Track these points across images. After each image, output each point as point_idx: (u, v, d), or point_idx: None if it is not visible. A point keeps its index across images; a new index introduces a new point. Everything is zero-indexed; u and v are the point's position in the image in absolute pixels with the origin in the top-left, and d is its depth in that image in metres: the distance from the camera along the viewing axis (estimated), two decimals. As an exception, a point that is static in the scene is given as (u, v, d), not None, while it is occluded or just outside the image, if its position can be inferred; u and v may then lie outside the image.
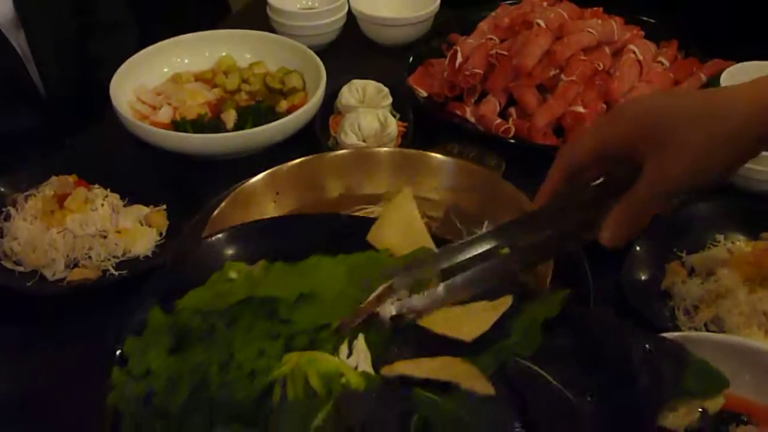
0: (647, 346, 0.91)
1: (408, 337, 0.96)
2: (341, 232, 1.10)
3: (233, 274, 1.03)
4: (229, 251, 1.07)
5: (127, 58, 1.70)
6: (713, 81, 1.65)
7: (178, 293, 1.01)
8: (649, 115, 0.97)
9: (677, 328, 1.25)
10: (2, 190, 1.47)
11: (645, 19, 1.80)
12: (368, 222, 1.10)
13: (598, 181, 1.03)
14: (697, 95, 1.02)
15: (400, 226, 1.09)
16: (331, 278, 1.02)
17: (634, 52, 1.66)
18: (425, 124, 1.63)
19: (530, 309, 0.96)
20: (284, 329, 0.96)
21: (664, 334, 1.11)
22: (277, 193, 1.34)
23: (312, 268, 1.03)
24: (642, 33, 1.74)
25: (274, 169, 1.34)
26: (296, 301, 0.99)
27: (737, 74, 1.60)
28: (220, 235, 1.09)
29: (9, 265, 1.37)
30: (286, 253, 1.04)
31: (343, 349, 0.93)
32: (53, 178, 1.47)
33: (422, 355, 0.93)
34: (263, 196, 1.33)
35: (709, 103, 0.96)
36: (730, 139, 0.95)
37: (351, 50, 1.90)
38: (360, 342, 0.94)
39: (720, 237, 1.37)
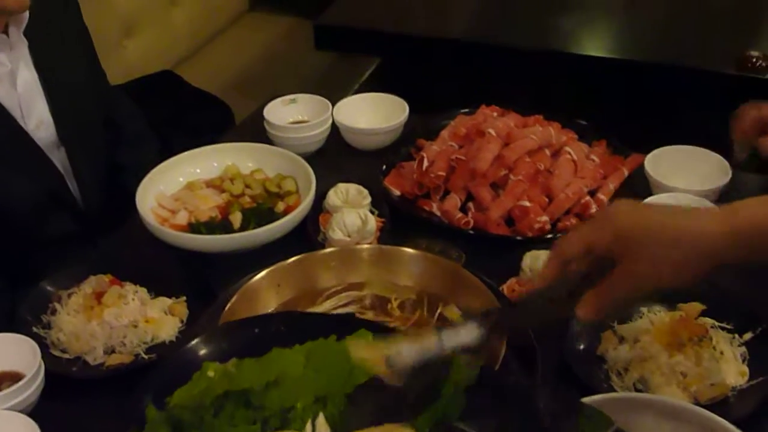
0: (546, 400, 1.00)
1: (359, 409, 1.04)
2: (295, 326, 1.16)
3: (211, 373, 1.09)
4: (205, 351, 1.13)
5: (149, 165, 1.74)
6: (635, 173, 1.74)
7: (167, 391, 1.08)
8: (627, 230, 1.05)
9: (611, 388, 1.31)
10: (49, 288, 1.52)
11: (578, 121, 1.87)
12: (313, 316, 1.21)
13: (582, 272, 1.11)
14: (670, 219, 1.06)
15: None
16: (291, 366, 1.09)
17: (570, 153, 1.73)
18: (400, 218, 1.68)
19: (454, 377, 1.05)
20: (259, 414, 1.05)
21: (598, 396, 1.19)
22: (279, 285, 1.40)
23: (275, 360, 1.10)
24: (575, 136, 1.80)
25: (274, 266, 1.40)
26: (265, 389, 1.06)
27: (656, 160, 1.72)
28: (196, 340, 1.14)
29: (56, 352, 1.43)
30: (251, 349, 1.11)
31: (308, 426, 1.03)
32: (91, 278, 1.52)
33: (372, 424, 1.03)
34: (267, 289, 1.38)
35: (679, 230, 1.03)
36: (690, 264, 1.03)
37: (335, 155, 1.94)
38: (320, 419, 1.02)
39: (644, 309, 1.42)
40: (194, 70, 2.96)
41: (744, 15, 2.51)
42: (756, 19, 2.50)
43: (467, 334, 1.09)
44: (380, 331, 1.15)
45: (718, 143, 1.73)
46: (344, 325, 1.14)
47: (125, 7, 2.87)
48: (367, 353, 1.09)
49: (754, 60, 2.21)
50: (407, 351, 1.08)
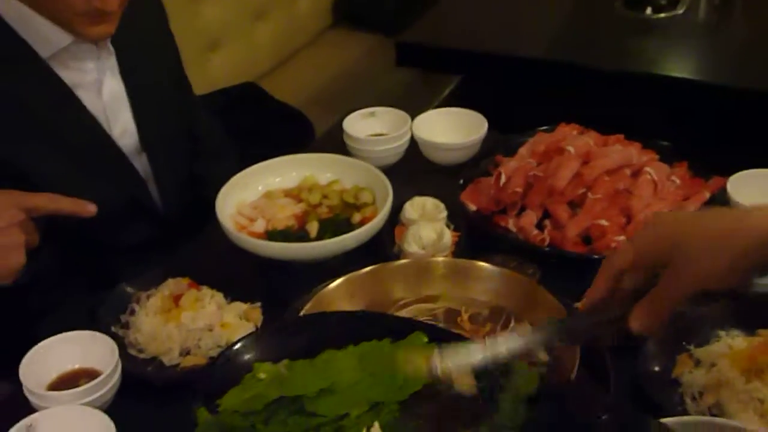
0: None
1: (414, 417, 1.04)
2: (349, 326, 1.17)
3: (262, 375, 1.09)
4: (256, 353, 1.14)
5: (228, 177, 1.76)
6: (717, 196, 1.71)
7: (219, 393, 1.09)
8: (671, 236, 1.05)
9: (685, 412, 1.29)
10: (129, 290, 1.55)
11: (659, 142, 1.84)
12: (368, 316, 1.20)
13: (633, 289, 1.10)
14: (712, 221, 1.06)
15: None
16: (345, 370, 1.10)
17: (650, 174, 1.70)
18: (475, 234, 1.68)
19: (513, 386, 1.03)
20: (312, 421, 1.05)
21: (672, 419, 1.18)
22: (352, 296, 1.42)
23: (327, 363, 1.11)
24: (656, 156, 1.78)
25: (349, 275, 1.42)
26: (318, 395, 1.06)
27: (737, 183, 1.70)
28: (247, 340, 1.15)
29: (133, 352, 1.46)
30: (304, 350, 1.12)
31: (363, 433, 1.01)
32: (170, 280, 1.55)
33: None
34: (340, 299, 1.40)
35: (721, 229, 1.04)
36: (733, 263, 1.02)
37: (413, 169, 1.94)
38: (375, 427, 1.02)
39: (722, 333, 1.40)
40: (276, 84, 3.00)
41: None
42: None
43: (514, 341, 1.09)
44: (439, 336, 1.14)
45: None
46: (400, 328, 1.14)
47: (211, 21, 2.93)
48: (415, 359, 1.10)
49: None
50: (452, 357, 1.09)
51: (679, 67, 2.45)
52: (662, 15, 2.67)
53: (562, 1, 2.92)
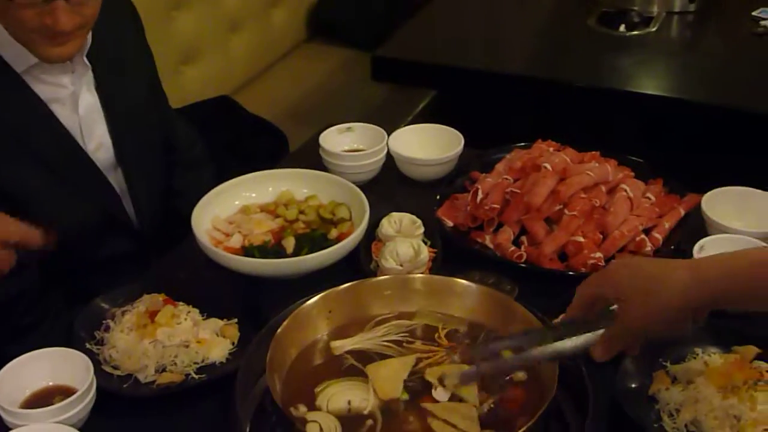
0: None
1: None
2: None
3: None
4: None
5: (205, 189, 1.76)
6: (692, 213, 1.73)
7: None
8: (622, 284, 1.21)
9: (662, 429, 1.30)
10: (104, 306, 1.54)
11: (635, 159, 1.86)
12: None
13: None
14: (648, 271, 1.20)
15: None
16: None
17: (626, 191, 1.72)
18: (452, 250, 1.67)
19: None
20: None
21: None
22: (330, 312, 1.41)
23: None
24: (632, 173, 1.79)
25: (326, 292, 1.41)
26: None
27: (711, 201, 1.72)
28: None
29: (108, 369, 1.44)
30: None
31: None
32: (145, 296, 1.54)
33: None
34: (318, 315, 1.40)
35: (654, 279, 1.18)
36: (666, 311, 1.17)
37: (389, 185, 1.94)
38: None
39: (698, 350, 1.41)
40: (251, 98, 2.99)
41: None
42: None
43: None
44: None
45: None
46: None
47: (185, 33, 2.92)
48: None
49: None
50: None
51: (653, 83, 2.47)
52: (636, 32, 2.69)
53: (537, 17, 2.94)
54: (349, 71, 3.32)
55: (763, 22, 2.66)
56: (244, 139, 2.61)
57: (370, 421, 1.25)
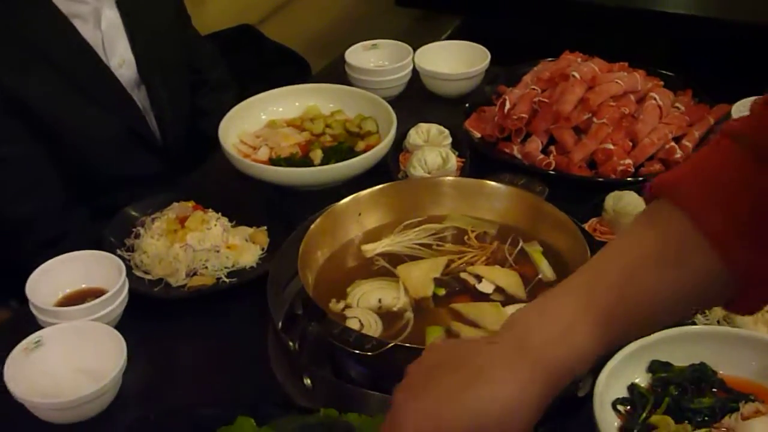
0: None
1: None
2: None
3: None
4: None
5: (228, 110, 1.75)
6: (721, 120, 1.71)
7: None
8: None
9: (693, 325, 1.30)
10: (133, 213, 1.55)
11: (663, 72, 1.83)
12: None
13: None
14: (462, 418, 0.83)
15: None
16: None
17: (655, 99, 1.70)
18: (479, 161, 1.67)
19: None
20: None
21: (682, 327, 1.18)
22: (360, 214, 1.41)
23: None
24: (661, 83, 1.78)
25: (357, 194, 1.41)
26: None
27: (743, 109, 1.69)
28: None
29: (139, 274, 1.45)
30: None
31: None
32: (174, 204, 1.54)
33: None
34: (348, 216, 1.39)
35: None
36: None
37: (416, 100, 1.93)
38: None
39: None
40: (272, 29, 2.96)
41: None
42: None
43: None
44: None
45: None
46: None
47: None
48: None
49: None
50: None
51: (679, 2, 2.44)
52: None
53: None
54: (372, 3, 3.29)
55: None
56: (266, 67, 2.59)
57: (408, 314, 1.25)
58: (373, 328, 1.23)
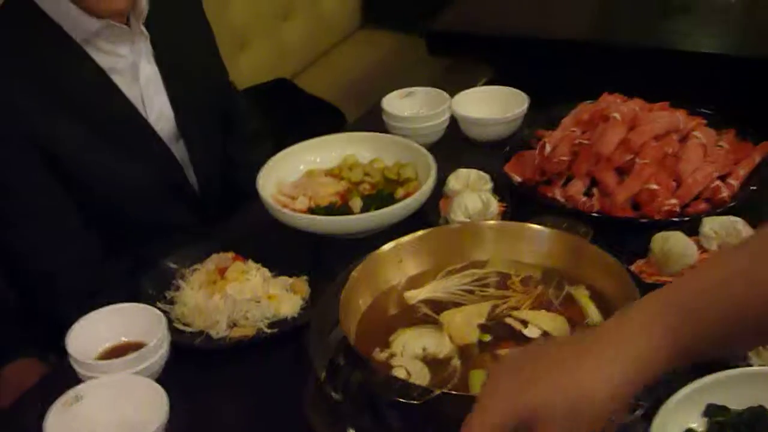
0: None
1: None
2: None
3: None
4: None
5: (264, 162, 1.74)
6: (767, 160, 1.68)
7: None
8: (526, 404, 0.89)
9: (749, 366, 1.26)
10: (173, 265, 1.54)
11: (704, 111, 1.80)
12: None
13: None
14: (560, 389, 0.88)
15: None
16: None
17: (698, 137, 1.67)
18: (521, 206, 1.64)
19: None
20: None
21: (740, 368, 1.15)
22: (401, 261, 1.38)
23: None
24: (704, 122, 1.74)
25: (398, 240, 1.38)
26: None
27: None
28: None
29: (180, 326, 1.44)
30: None
31: None
32: (213, 255, 1.54)
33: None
34: (390, 262, 1.37)
35: (575, 401, 0.88)
36: (591, 421, 0.89)
37: (454, 147, 1.91)
38: None
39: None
40: (307, 82, 2.99)
41: None
42: None
43: None
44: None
45: None
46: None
47: (239, 20, 2.93)
48: None
49: None
50: None
51: (714, 42, 2.43)
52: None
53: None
54: (404, 55, 3.30)
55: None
56: (302, 119, 2.61)
57: (455, 362, 1.23)
58: (421, 376, 1.20)
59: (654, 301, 0.92)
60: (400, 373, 1.20)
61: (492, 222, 1.49)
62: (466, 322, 1.29)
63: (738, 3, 2.69)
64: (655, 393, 1.12)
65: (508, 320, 1.28)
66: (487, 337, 1.26)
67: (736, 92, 2.27)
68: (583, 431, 0.89)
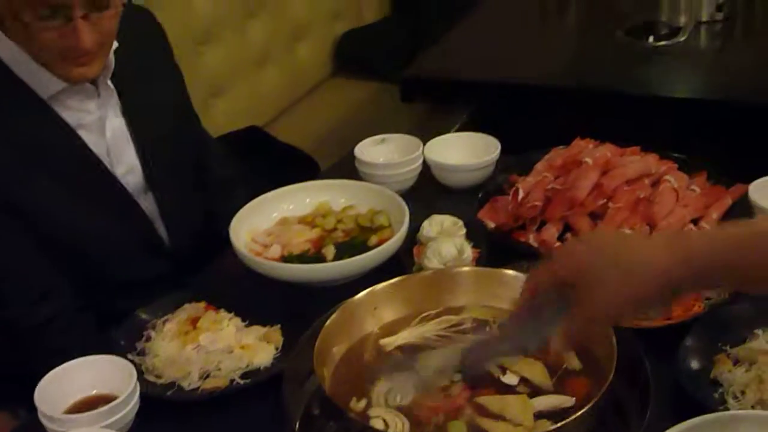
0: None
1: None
2: None
3: None
4: None
5: (239, 209, 1.73)
6: (739, 203, 1.69)
7: None
8: (584, 262, 1.05)
9: (727, 410, 1.25)
10: (144, 316, 1.52)
11: (676, 155, 1.81)
12: None
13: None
14: (624, 249, 1.05)
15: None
16: None
17: (670, 181, 1.68)
18: (495, 251, 1.63)
19: None
20: None
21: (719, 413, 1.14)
22: (375, 308, 1.37)
23: None
24: (675, 166, 1.76)
25: (372, 288, 1.37)
26: None
27: (760, 189, 1.67)
28: None
29: (151, 378, 1.41)
30: None
31: None
32: (186, 305, 1.52)
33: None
34: (364, 310, 1.36)
35: (631, 262, 1.02)
36: (639, 294, 1.02)
37: (427, 193, 1.91)
38: None
39: (758, 331, 1.36)
40: (280, 130, 2.98)
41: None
42: None
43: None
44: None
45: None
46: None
47: (212, 68, 2.93)
48: None
49: None
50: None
51: (686, 88, 2.45)
52: (664, 42, 2.66)
53: (562, 32, 2.96)
54: (378, 102, 3.31)
55: (792, 27, 2.63)
56: (275, 167, 2.58)
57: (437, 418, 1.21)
58: (399, 427, 1.18)
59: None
60: (377, 423, 1.18)
61: (467, 268, 1.48)
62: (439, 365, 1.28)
63: (707, 49, 2.74)
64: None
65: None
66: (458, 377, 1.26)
67: (706, 136, 2.29)
68: (634, 300, 1.02)
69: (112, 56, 1.66)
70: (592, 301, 1.04)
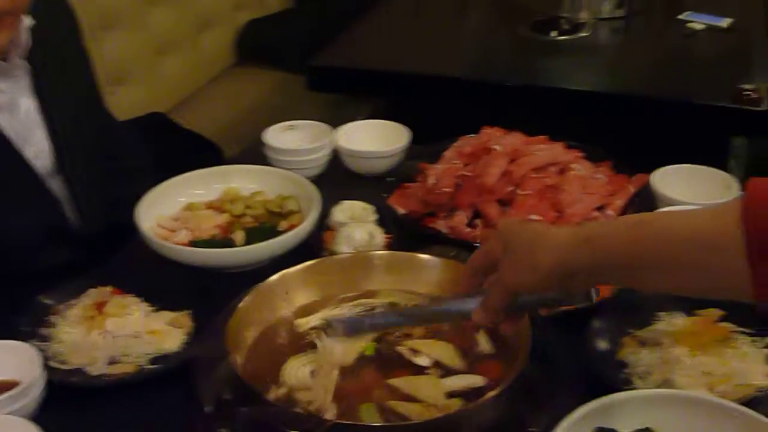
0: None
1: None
2: None
3: None
4: None
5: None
6: (642, 191, 1.73)
7: None
8: (507, 239, 1.11)
9: (633, 390, 1.28)
10: (47, 302, 1.47)
11: (581, 145, 1.84)
12: None
13: None
14: (533, 228, 1.12)
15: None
16: None
17: (576, 170, 1.71)
18: (406, 237, 1.64)
19: None
20: None
21: (626, 392, 1.17)
22: (287, 292, 1.36)
23: None
24: (581, 155, 1.79)
25: (284, 271, 1.36)
26: None
27: (662, 177, 1.73)
28: None
29: (55, 364, 1.36)
30: None
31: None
32: (91, 290, 1.48)
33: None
34: (276, 294, 1.34)
35: (536, 235, 1.08)
36: (537, 269, 1.06)
37: (337, 180, 1.90)
38: None
39: (662, 314, 1.40)
40: (184, 117, 2.94)
41: (737, 53, 2.57)
42: (747, 56, 2.53)
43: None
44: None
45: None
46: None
47: (114, 54, 2.87)
48: None
49: (747, 93, 2.24)
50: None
51: (588, 81, 2.50)
52: (567, 37, 2.71)
53: (468, 24, 2.98)
54: (284, 92, 3.30)
55: (689, 25, 2.70)
56: (179, 154, 2.53)
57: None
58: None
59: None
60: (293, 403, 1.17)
61: (381, 252, 1.48)
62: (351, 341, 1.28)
63: (609, 44, 2.80)
64: (545, 418, 1.14)
65: (399, 349, 1.27)
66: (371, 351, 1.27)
67: (608, 128, 2.34)
68: (532, 269, 1.06)
69: (25, 33, 1.61)
70: (503, 270, 1.11)
